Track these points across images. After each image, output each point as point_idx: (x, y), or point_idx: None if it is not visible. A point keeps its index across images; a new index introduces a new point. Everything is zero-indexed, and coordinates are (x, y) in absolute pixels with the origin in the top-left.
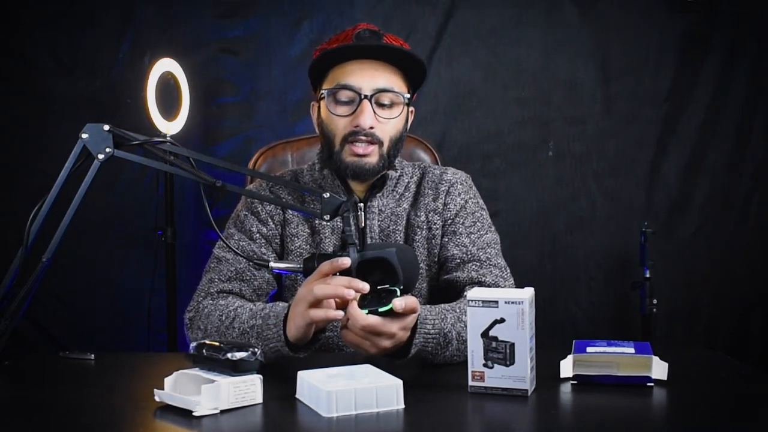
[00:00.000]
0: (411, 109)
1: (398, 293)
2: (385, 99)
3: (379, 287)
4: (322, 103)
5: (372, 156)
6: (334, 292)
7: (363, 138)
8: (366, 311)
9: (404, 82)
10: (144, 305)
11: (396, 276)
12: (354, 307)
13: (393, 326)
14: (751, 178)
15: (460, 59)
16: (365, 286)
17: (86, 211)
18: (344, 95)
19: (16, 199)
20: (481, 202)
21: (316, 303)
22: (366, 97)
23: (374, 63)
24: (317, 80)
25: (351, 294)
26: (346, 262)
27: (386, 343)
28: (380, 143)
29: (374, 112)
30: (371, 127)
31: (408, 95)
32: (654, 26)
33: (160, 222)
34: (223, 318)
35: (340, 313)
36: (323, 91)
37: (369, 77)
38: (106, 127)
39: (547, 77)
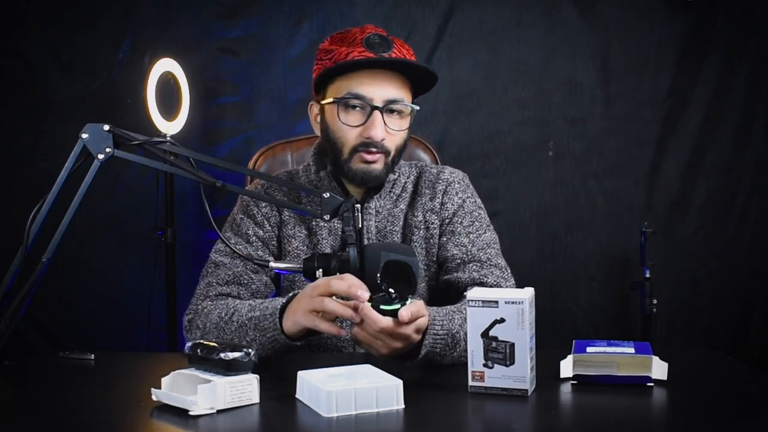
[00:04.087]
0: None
1: (407, 301)
2: (396, 110)
3: (391, 290)
4: (328, 109)
5: (378, 163)
6: (349, 290)
7: (373, 150)
8: (371, 305)
9: (410, 91)
10: (144, 305)
11: (411, 285)
12: (369, 307)
13: (408, 328)
14: (751, 178)
15: (460, 59)
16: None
17: (86, 211)
18: (355, 105)
19: (16, 199)
20: (478, 201)
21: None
22: (378, 108)
23: (386, 73)
24: (321, 83)
25: (365, 296)
26: (364, 296)
27: (398, 345)
28: (387, 153)
29: (385, 123)
30: (382, 139)
31: (417, 107)
32: (654, 26)
33: (160, 222)
34: (223, 314)
35: (351, 312)
36: (333, 99)
37: (380, 88)
38: (106, 127)
39: (547, 77)
